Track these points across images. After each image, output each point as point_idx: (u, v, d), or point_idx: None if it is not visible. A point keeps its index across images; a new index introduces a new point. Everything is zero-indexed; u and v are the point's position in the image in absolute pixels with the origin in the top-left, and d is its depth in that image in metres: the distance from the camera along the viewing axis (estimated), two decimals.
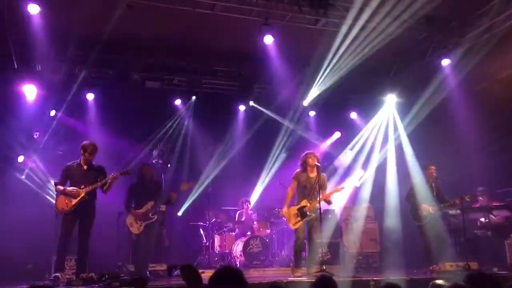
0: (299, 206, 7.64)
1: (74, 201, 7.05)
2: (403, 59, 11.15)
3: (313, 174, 7.71)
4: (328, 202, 7.85)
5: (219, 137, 11.89)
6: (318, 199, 7.52)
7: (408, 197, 9.04)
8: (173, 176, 10.33)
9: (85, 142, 7.34)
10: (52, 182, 8.77)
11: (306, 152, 7.92)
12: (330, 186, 8.39)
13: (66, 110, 10.18)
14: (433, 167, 8.93)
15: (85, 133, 10.25)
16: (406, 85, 10.87)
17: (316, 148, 11.88)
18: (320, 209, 7.60)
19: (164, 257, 9.21)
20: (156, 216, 7.93)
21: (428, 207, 8.68)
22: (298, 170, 7.86)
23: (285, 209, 7.81)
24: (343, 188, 8.00)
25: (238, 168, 11.71)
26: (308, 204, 7.57)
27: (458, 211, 8.71)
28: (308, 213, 7.56)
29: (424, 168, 9.06)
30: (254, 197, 11.75)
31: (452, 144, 10.11)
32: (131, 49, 9.99)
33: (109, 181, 7.26)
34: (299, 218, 7.56)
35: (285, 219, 8.26)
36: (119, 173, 7.39)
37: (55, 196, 7.48)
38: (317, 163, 7.70)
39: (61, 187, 7.18)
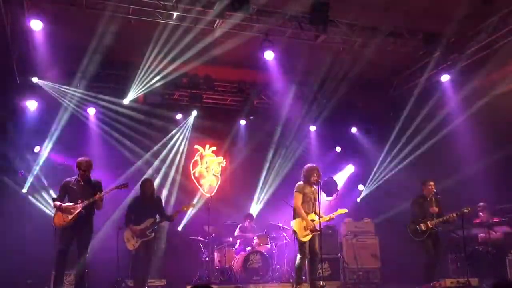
0: (309, 219, 7.42)
1: (70, 217, 7.02)
2: (403, 75, 11.22)
3: (313, 188, 7.59)
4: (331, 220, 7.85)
5: (220, 151, 11.95)
6: (324, 215, 7.53)
7: (410, 212, 8.92)
8: (172, 190, 10.32)
9: (79, 159, 7.33)
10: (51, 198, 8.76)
11: (310, 167, 7.67)
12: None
13: (67, 124, 10.19)
14: (432, 182, 8.70)
15: (85, 147, 10.28)
16: (406, 101, 10.89)
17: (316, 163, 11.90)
18: (320, 224, 7.43)
19: (163, 272, 9.16)
20: (153, 234, 7.82)
21: (426, 222, 8.62)
22: (300, 182, 7.63)
23: (295, 221, 7.51)
24: (346, 211, 7.91)
25: (239, 182, 11.71)
26: (317, 219, 7.38)
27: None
28: (317, 227, 7.35)
29: (422, 183, 8.85)
30: (255, 211, 11.72)
31: (453, 159, 10.09)
32: (132, 64, 10.04)
33: (106, 194, 7.24)
34: (308, 232, 7.36)
35: (291, 231, 7.93)
36: (115, 187, 7.39)
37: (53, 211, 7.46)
38: (318, 179, 7.54)
39: (58, 203, 7.15)
